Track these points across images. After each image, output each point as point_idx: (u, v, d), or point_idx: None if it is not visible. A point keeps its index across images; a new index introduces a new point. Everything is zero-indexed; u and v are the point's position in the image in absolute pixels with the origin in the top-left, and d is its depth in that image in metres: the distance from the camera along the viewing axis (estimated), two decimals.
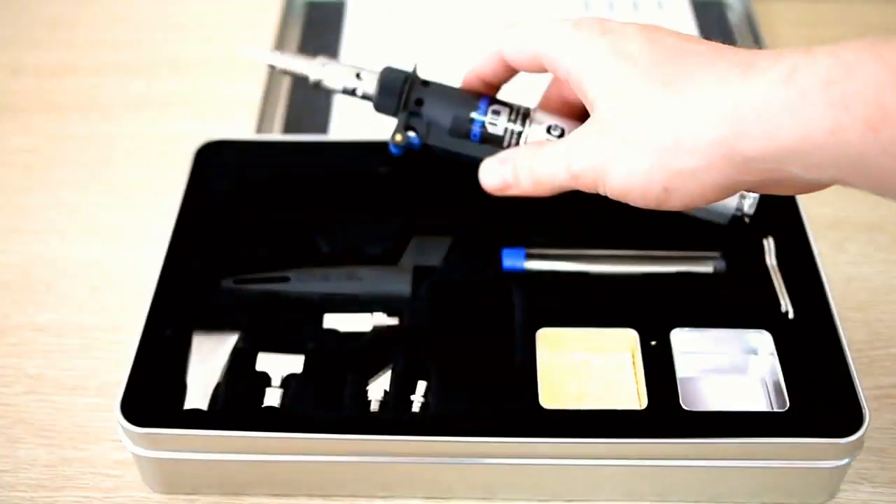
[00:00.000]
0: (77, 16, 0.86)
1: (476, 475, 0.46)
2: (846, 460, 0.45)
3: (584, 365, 0.50)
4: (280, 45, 0.79)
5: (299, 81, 0.76)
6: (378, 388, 0.47)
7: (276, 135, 0.70)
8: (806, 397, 0.46)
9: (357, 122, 0.72)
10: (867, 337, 0.57)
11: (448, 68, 0.77)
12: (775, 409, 0.47)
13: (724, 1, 0.85)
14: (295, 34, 0.82)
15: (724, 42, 0.80)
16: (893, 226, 0.65)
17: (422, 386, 0.47)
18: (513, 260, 0.53)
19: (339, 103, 0.73)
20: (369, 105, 0.73)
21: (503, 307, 0.51)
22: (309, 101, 0.74)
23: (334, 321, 0.51)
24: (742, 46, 0.78)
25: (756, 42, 0.79)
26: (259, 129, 0.71)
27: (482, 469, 0.46)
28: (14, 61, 0.81)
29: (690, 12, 0.83)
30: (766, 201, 0.56)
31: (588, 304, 0.51)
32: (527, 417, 0.45)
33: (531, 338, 0.49)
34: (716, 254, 0.53)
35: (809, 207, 0.66)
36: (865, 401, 0.45)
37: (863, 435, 0.44)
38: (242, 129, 0.71)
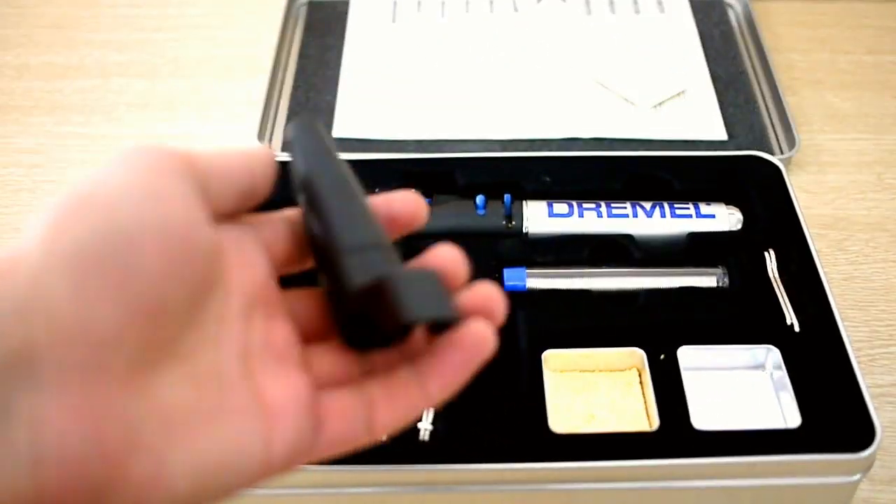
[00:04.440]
0: (81, 17, 0.86)
1: (488, 503, 0.46)
2: (858, 476, 0.45)
3: (592, 386, 0.50)
4: (282, 45, 0.80)
5: (301, 81, 0.77)
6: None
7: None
8: (817, 413, 0.46)
9: (360, 122, 0.72)
10: (867, 336, 0.58)
11: (449, 69, 0.77)
12: (787, 426, 0.47)
13: (724, 1, 0.85)
14: (297, 34, 0.82)
15: (725, 43, 0.80)
16: (894, 225, 0.65)
17: (429, 413, 0.47)
18: (514, 279, 0.53)
19: (342, 103, 0.74)
20: (371, 104, 0.74)
21: (507, 328, 0.51)
22: (312, 101, 0.75)
23: None
24: (742, 46, 0.80)
25: (756, 42, 0.80)
26: (262, 130, 0.71)
27: (494, 497, 0.45)
28: (18, 62, 0.81)
29: (690, 13, 0.83)
30: (765, 211, 0.56)
31: (593, 324, 0.51)
32: (539, 442, 0.45)
33: (537, 360, 0.49)
34: (718, 269, 0.54)
35: (811, 206, 0.67)
36: (876, 414, 0.45)
37: (875, 450, 0.44)
38: (245, 129, 0.71)
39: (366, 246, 0.27)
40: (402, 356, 0.28)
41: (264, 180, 0.29)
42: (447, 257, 0.28)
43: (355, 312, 0.27)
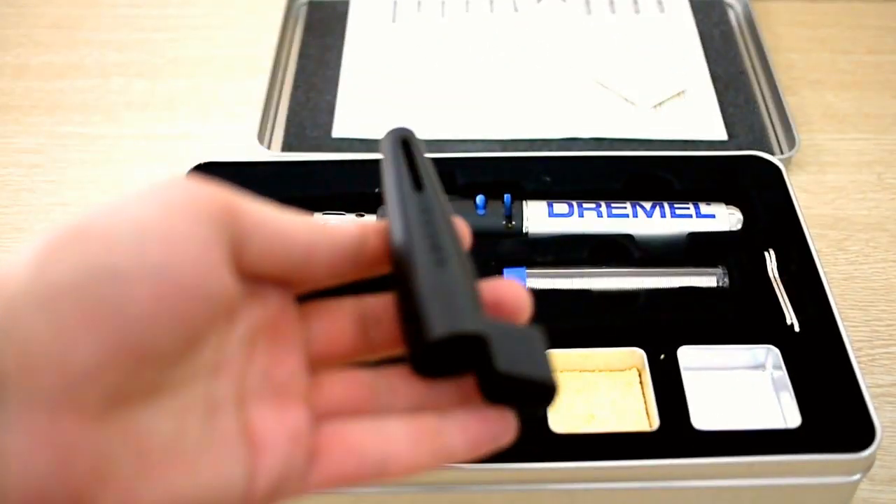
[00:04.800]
0: (81, 17, 0.86)
1: (487, 503, 0.46)
2: (858, 476, 0.45)
3: (592, 386, 0.50)
4: (282, 45, 0.80)
5: (301, 81, 0.77)
6: None
7: (271, 153, 0.70)
8: (817, 413, 0.46)
9: (360, 122, 0.72)
10: (867, 336, 0.58)
11: (449, 69, 0.77)
12: (787, 426, 0.47)
13: (724, 1, 0.85)
14: (297, 34, 0.82)
15: (725, 43, 0.80)
16: (894, 225, 0.65)
17: None
18: (514, 279, 0.53)
19: (342, 103, 0.74)
20: (372, 104, 0.74)
21: None
22: (312, 101, 0.75)
23: None
24: (742, 46, 0.80)
25: (756, 42, 0.80)
26: (261, 129, 0.71)
27: (494, 496, 0.45)
28: (18, 62, 0.81)
29: (690, 12, 0.83)
30: (765, 211, 0.56)
31: (593, 324, 0.51)
32: (539, 442, 0.45)
33: None
34: (718, 269, 0.54)
35: (811, 206, 0.67)
36: (876, 414, 0.45)
37: (875, 450, 0.44)
38: (245, 129, 0.71)
39: (449, 283, 0.26)
40: (426, 398, 0.27)
41: (326, 263, 0.27)
42: (513, 293, 0.27)
43: (431, 354, 0.26)
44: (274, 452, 0.25)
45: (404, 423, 0.27)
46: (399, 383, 0.28)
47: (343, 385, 0.28)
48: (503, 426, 0.27)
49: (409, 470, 0.26)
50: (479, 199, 0.56)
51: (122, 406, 0.22)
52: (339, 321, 0.29)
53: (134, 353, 0.22)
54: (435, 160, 0.63)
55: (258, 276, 0.26)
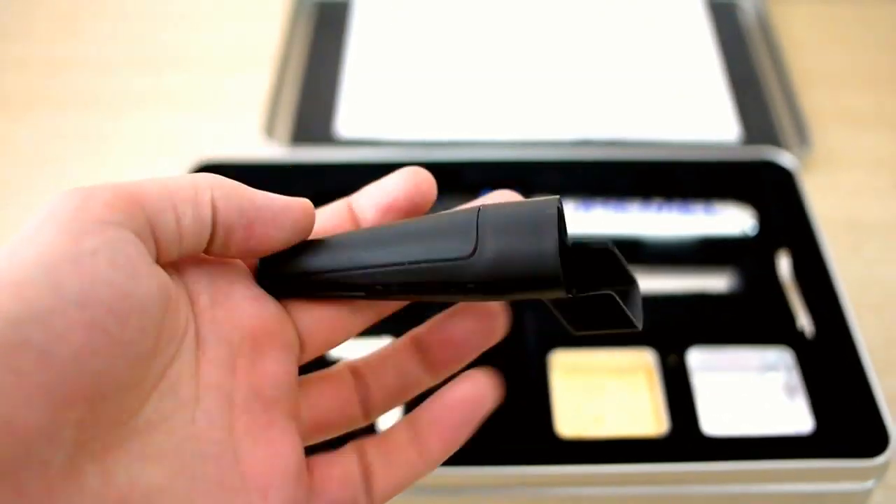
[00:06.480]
0: (83, 11, 0.86)
1: None
2: (871, 482, 0.44)
3: (600, 388, 0.49)
4: (288, 42, 0.79)
5: (307, 78, 0.76)
6: (389, 417, 0.46)
7: (276, 150, 0.69)
8: (830, 418, 0.45)
9: (365, 122, 0.71)
10: (883, 338, 0.57)
11: (456, 68, 0.77)
12: (800, 431, 0.46)
13: (738, 3, 0.84)
14: (304, 31, 0.82)
15: (739, 43, 0.79)
16: None
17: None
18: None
19: (347, 102, 0.73)
20: (377, 103, 0.73)
21: (514, 329, 0.50)
22: (318, 99, 0.74)
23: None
24: (757, 47, 0.79)
25: (771, 42, 0.79)
26: (266, 126, 0.70)
27: (500, 500, 0.45)
28: (19, 56, 0.81)
29: (705, 14, 0.82)
30: (779, 212, 0.55)
31: None
32: (545, 446, 0.44)
33: (544, 361, 0.48)
34: (730, 271, 0.53)
35: (825, 208, 0.66)
36: (890, 419, 0.44)
37: (890, 456, 0.43)
38: (250, 126, 0.70)
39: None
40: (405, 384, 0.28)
41: (226, 216, 0.25)
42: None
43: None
44: (275, 496, 0.23)
45: (379, 448, 0.26)
46: (384, 370, 0.28)
47: (329, 393, 0.27)
48: (479, 399, 0.27)
49: (392, 494, 0.26)
50: None
51: (95, 458, 0.21)
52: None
53: (85, 394, 0.20)
54: (442, 161, 0.62)
55: (185, 254, 0.24)
